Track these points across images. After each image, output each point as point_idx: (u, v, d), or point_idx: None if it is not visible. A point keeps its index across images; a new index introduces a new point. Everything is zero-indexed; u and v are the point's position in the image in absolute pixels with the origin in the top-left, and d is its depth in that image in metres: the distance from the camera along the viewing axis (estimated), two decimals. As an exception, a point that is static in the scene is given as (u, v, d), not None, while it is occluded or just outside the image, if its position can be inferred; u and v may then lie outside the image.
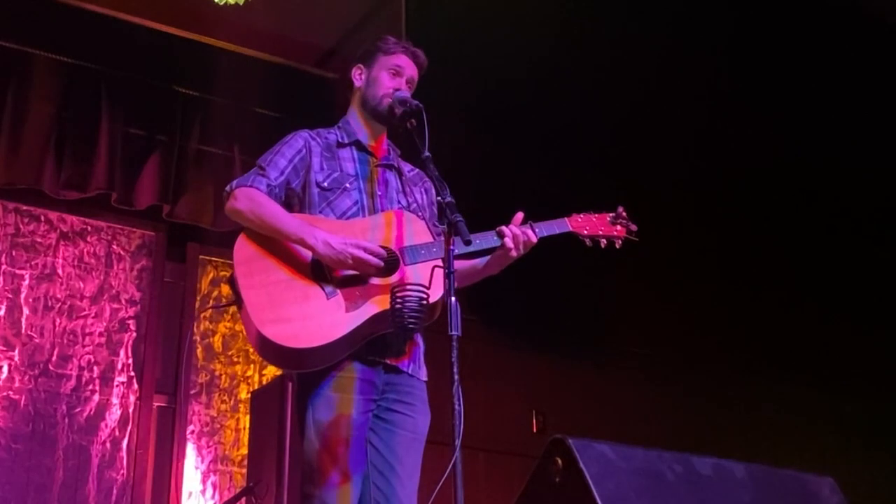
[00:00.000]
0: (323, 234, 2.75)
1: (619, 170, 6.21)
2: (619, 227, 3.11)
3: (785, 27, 6.90)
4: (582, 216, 3.08)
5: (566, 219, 3.05)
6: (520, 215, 2.94)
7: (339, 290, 2.75)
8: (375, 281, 2.76)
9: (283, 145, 2.99)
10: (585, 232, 3.05)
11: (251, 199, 2.84)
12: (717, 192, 6.75)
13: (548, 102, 6.10)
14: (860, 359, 6.83)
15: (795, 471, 3.41)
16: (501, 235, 2.88)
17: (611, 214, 3.12)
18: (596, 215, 3.10)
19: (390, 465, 2.79)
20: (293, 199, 2.95)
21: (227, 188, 2.91)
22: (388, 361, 2.83)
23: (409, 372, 2.88)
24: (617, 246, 3.10)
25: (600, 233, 3.07)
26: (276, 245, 2.80)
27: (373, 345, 2.78)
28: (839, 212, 7.19)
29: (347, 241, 2.74)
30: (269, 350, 2.71)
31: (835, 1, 6.97)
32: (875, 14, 7.15)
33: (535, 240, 2.92)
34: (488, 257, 2.98)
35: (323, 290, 2.75)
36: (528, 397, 5.82)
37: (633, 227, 3.13)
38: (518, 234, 2.89)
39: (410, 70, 3.09)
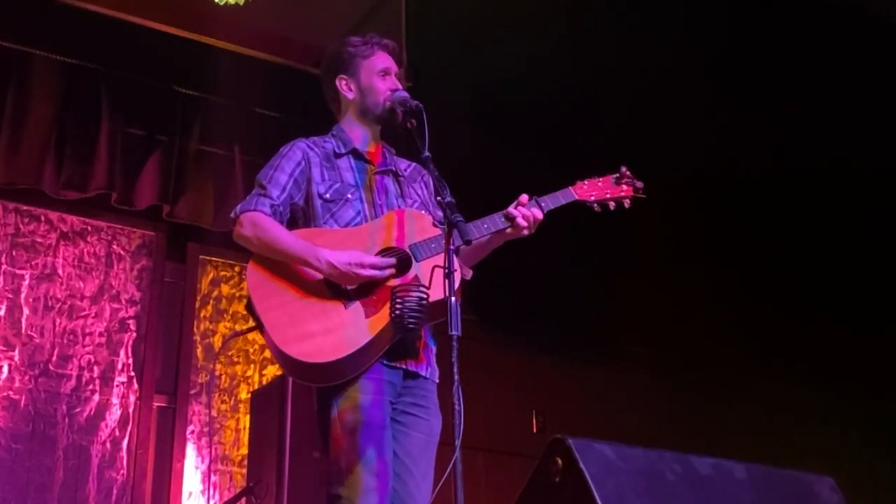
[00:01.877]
0: (326, 254, 2.75)
1: (619, 169, 6.20)
2: (624, 187, 3.06)
3: (785, 26, 6.90)
4: (587, 182, 3.05)
5: (570, 188, 3.03)
6: (524, 197, 2.92)
7: (356, 299, 2.76)
8: (391, 283, 2.77)
9: (281, 158, 2.98)
10: (592, 198, 3.03)
11: (255, 224, 2.85)
12: (718, 192, 6.75)
13: (548, 101, 6.10)
14: (860, 358, 6.83)
15: (795, 471, 3.41)
16: (512, 218, 2.88)
17: (614, 175, 3.09)
18: (600, 179, 3.07)
19: (406, 467, 2.79)
20: (297, 213, 2.95)
21: (233, 214, 2.92)
22: (410, 367, 2.84)
23: (426, 375, 2.89)
24: (626, 206, 3.06)
25: (607, 196, 3.04)
26: (285, 266, 2.82)
27: (392, 350, 2.78)
28: (840, 211, 7.19)
29: (352, 260, 2.74)
30: (297, 368, 2.73)
31: (835, 0, 6.97)
32: (875, 14, 7.15)
33: (541, 216, 2.92)
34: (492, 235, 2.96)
35: (340, 301, 2.76)
36: (528, 397, 5.82)
37: (640, 185, 3.09)
38: (527, 214, 2.89)
39: (393, 65, 3.10)
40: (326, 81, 3.14)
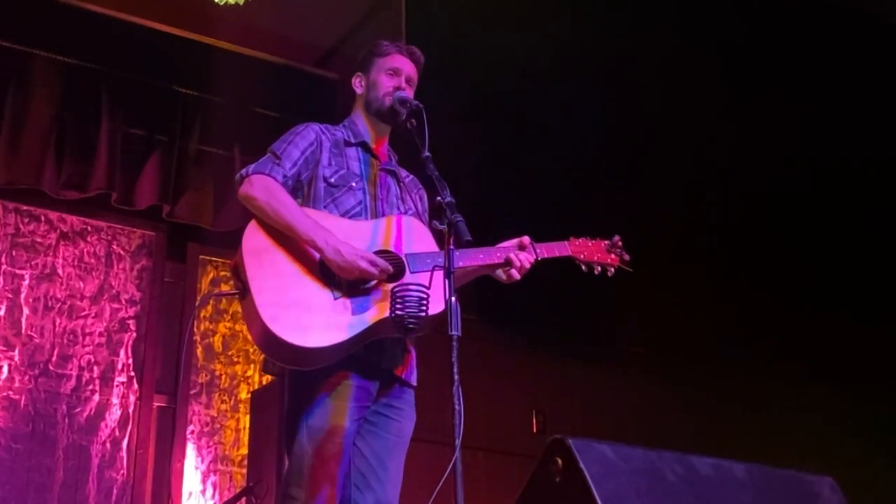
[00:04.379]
0: (334, 240, 2.76)
1: (620, 169, 6.21)
2: (613, 256, 3.20)
3: (786, 26, 6.90)
4: (581, 241, 3.17)
5: (566, 242, 3.15)
6: (526, 239, 3.02)
7: (345, 292, 2.76)
8: (386, 286, 2.77)
9: (295, 135, 3.00)
10: (582, 257, 3.15)
11: (268, 189, 2.84)
12: (719, 191, 6.75)
13: (548, 102, 6.10)
14: (861, 358, 6.83)
15: (795, 471, 3.41)
16: (510, 264, 2.95)
17: (607, 242, 3.22)
18: (592, 241, 3.20)
19: (373, 469, 2.82)
20: (298, 192, 2.95)
21: (243, 172, 2.90)
22: (385, 367, 2.85)
23: (403, 377, 2.91)
24: (609, 274, 3.20)
25: (596, 259, 3.17)
26: (286, 238, 2.80)
27: (370, 350, 2.79)
28: (839, 211, 7.19)
29: (358, 252, 2.75)
30: (272, 343, 2.70)
31: (836, 1, 6.97)
32: (877, 14, 7.15)
33: (532, 262, 3.01)
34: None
35: (330, 290, 2.76)
36: (528, 397, 5.82)
37: (627, 258, 3.22)
38: (525, 264, 2.98)
39: (408, 69, 3.12)
40: (349, 80, 3.20)
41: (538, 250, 3.02)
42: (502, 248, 2.99)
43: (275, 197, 2.82)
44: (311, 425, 2.72)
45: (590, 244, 3.17)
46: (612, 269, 3.18)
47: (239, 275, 2.76)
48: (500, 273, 2.99)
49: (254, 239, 2.80)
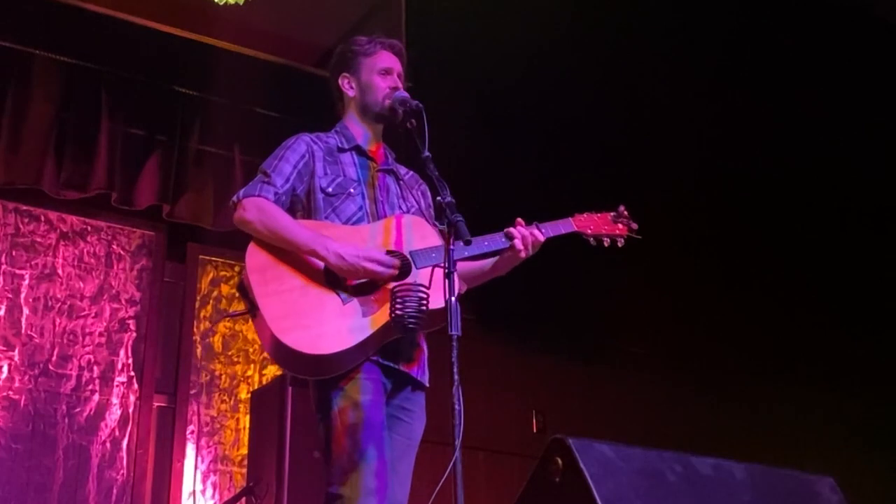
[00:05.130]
0: (335, 245, 2.75)
1: (621, 169, 6.21)
2: (620, 226, 3.13)
3: (786, 26, 6.90)
4: (585, 215, 3.10)
5: (570, 219, 3.08)
6: (520, 221, 2.96)
7: (354, 296, 2.76)
8: (389, 285, 2.76)
9: (286, 150, 2.98)
10: (589, 231, 3.08)
11: (261, 209, 2.84)
12: (719, 192, 6.75)
13: (548, 102, 6.10)
14: (861, 358, 6.84)
15: (795, 471, 3.41)
16: (510, 237, 2.91)
17: (612, 213, 3.15)
18: (598, 214, 3.13)
19: None
20: (297, 205, 2.95)
21: (235, 198, 2.91)
22: (402, 368, 2.84)
23: (418, 378, 2.90)
24: (619, 245, 3.12)
25: (603, 232, 3.09)
26: (288, 253, 2.81)
27: (386, 350, 2.79)
28: (840, 212, 7.19)
29: (360, 253, 2.74)
30: (288, 357, 2.71)
31: (840, 1, 6.97)
32: (879, 15, 7.15)
33: (542, 239, 2.95)
34: (496, 259, 3.00)
35: (338, 295, 2.76)
36: (528, 397, 5.83)
37: (634, 226, 3.15)
38: (526, 234, 2.92)
39: (396, 64, 3.11)
40: (332, 80, 3.17)
41: (543, 230, 2.96)
42: (504, 231, 2.95)
43: (268, 216, 2.82)
44: (345, 419, 2.70)
45: (595, 217, 3.10)
46: (622, 240, 3.11)
47: (247, 294, 2.77)
48: (507, 255, 2.94)
49: (256, 256, 2.81)
